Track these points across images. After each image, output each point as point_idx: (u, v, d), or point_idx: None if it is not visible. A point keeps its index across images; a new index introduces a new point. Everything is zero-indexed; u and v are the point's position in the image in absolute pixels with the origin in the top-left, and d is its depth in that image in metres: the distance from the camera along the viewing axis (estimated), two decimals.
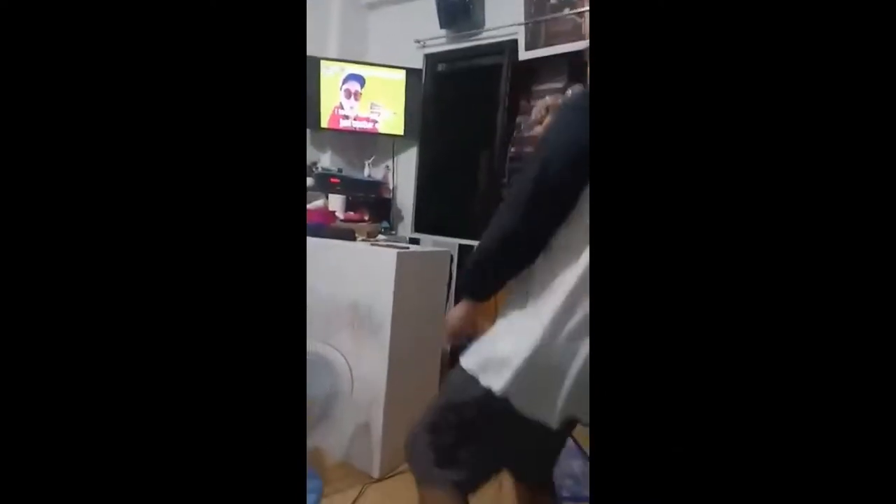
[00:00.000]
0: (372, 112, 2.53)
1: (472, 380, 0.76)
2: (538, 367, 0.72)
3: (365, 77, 2.49)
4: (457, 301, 0.88)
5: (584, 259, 0.70)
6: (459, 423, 0.79)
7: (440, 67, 2.62)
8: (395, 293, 1.44)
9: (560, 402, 0.73)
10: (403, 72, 2.49)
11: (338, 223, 1.92)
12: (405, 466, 1.59)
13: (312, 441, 1.35)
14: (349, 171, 2.51)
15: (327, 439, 1.42)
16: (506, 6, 2.19)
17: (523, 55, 2.17)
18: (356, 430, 1.53)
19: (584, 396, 0.60)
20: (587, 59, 0.78)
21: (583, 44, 1.91)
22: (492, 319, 0.83)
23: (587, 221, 0.66)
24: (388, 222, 2.45)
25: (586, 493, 1.32)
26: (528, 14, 2.13)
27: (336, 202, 2.20)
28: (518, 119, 2.38)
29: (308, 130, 2.53)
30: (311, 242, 1.67)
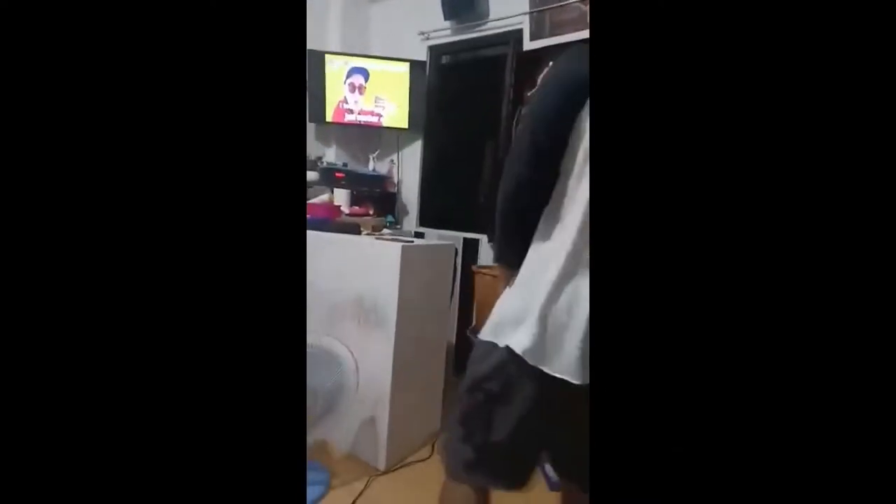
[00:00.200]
0: (376, 106, 2.52)
1: (490, 346, 0.76)
2: (551, 318, 0.71)
3: (369, 70, 2.48)
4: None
5: (581, 205, 0.70)
6: (487, 398, 0.77)
7: (444, 59, 2.60)
8: (400, 287, 1.44)
9: (579, 352, 0.71)
10: (407, 64, 2.47)
11: (343, 217, 1.92)
12: (411, 459, 1.60)
13: (319, 434, 1.36)
14: (354, 166, 2.51)
15: (333, 432, 1.43)
16: None
17: (528, 45, 2.15)
18: (362, 422, 1.54)
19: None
20: None
21: (588, 32, 1.88)
22: None
23: (581, 169, 0.69)
24: (393, 216, 2.45)
25: None
26: (532, 3, 2.10)
27: (341, 196, 2.21)
28: (523, 109, 2.35)
29: (313, 125, 2.53)
30: (317, 237, 1.68)
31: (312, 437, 1.35)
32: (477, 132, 2.47)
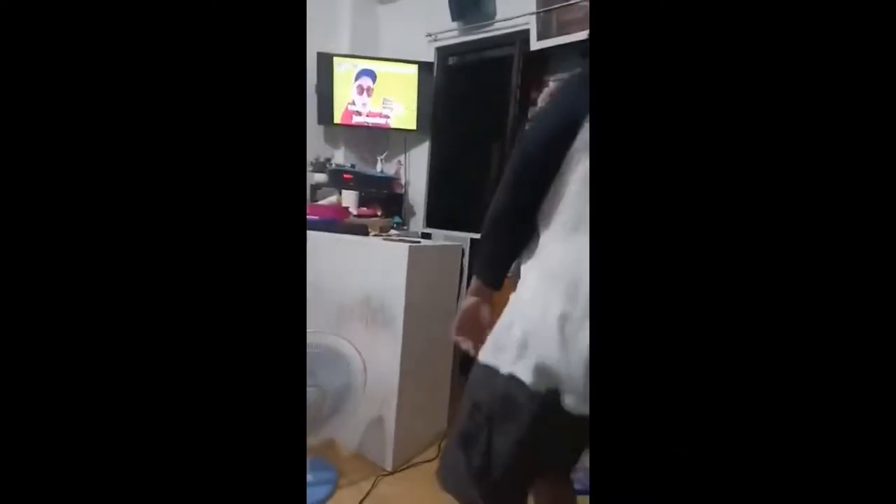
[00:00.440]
0: (384, 107, 2.53)
1: (492, 371, 0.75)
2: (552, 345, 0.70)
3: (377, 72, 2.50)
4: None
5: (582, 230, 0.69)
6: (487, 419, 0.76)
7: (451, 60, 2.60)
8: (408, 287, 1.45)
9: (582, 380, 0.69)
10: (415, 66, 2.48)
11: (351, 218, 1.94)
12: (417, 459, 1.60)
13: (327, 433, 1.37)
14: (362, 167, 2.52)
15: (341, 431, 1.44)
16: None
17: (535, 45, 2.14)
18: (369, 422, 1.55)
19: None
20: None
21: None
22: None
23: (573, 198, 0.70)
24: (401, 217, 2.45)
25: None
26: (539, 3, 2.10)
27: (349, 198, 2.22)
28: (530, 111, 2.35)
29: (321, 127, 2.56)
30: (325, 237, 1.69)
31: (320, 436, 1.36)
32: (484, 133, 2.47)
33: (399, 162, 2.66)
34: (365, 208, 2.20)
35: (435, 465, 1.58)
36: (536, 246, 0.77)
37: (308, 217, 1.80)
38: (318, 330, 1.36)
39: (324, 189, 2.32)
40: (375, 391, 1.47)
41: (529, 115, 2.34)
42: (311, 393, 1.31)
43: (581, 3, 1.97)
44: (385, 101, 2.52)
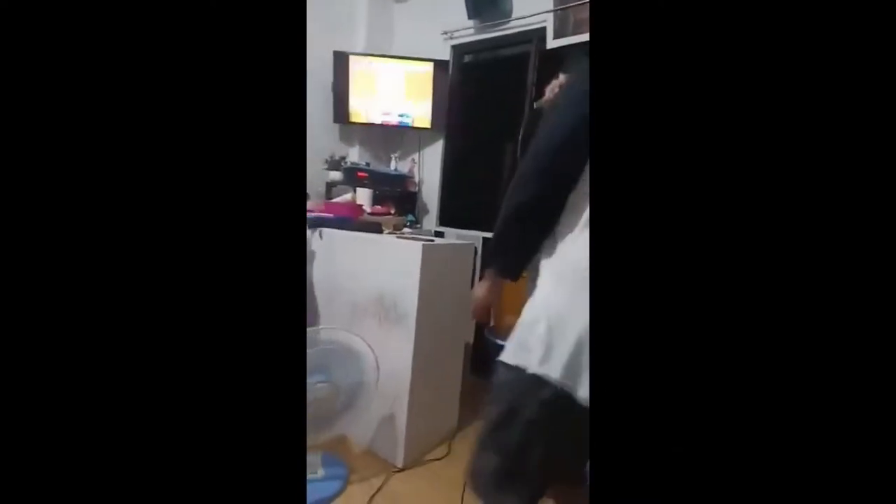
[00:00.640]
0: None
1: (519, 371, 0.74)
2: (577, 342, 0.69)
3: (392, 70, 2.50)
4: (481, 278, 0.87)
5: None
6: (518, 421, 0.75)
7: (466, 58, 2.60)
8: (421, 285, 1.45)
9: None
10: (431, 64, 2.48)
11: (365, 216, 1.95)
12: (428, 456, 1.61)
13: (339, 429, 1.38)
14: (376, 165, 2.54)
15: (353, 428, 1.45)
16: None
17: (551, 43, 2.12)
18: (381, 419, 1.55)
19: None
20: None
21: None
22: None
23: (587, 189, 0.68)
24: (414, 215, 2.46)
25: None
26: (556, 0, 2.08)
27: (363, 196, 2.24)
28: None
29: (337, 125, 2.57)
30: (340, 235, 1.71)
31: (332, 432, 1.37)
32: (498, 131, 2.46)
33: (413, 160, 2.66)
34: (379, 206, 2.21)
35: (446, 462, 1.58)
36: (556, 241, 0.76)
37: (323, 214, 1.81)
38: (332, 326, 1.37)
39: (339, 186, 2.34)
40: (387, 388, 1.47)
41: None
42: (324, 389, 1.32)
43: None
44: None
